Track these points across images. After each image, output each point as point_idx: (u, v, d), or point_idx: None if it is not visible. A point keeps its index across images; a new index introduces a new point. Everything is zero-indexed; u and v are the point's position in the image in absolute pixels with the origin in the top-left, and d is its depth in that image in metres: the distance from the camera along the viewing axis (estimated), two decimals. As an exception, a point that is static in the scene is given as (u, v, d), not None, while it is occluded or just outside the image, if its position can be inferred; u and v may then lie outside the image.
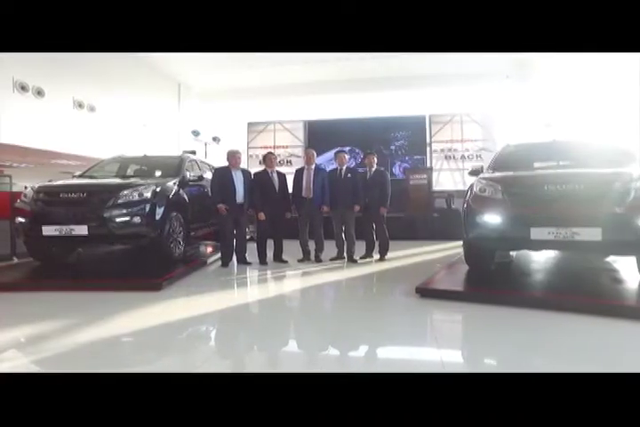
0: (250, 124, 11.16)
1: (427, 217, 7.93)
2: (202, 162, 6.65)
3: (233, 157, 5.10)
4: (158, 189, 4.55)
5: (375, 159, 5.43)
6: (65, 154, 9.35)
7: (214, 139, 11.08)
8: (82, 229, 4.09)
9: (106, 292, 3.59)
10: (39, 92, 8.20)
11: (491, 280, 3.73)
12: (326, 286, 4.13)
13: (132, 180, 4.67)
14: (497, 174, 3.80)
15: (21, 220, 4.26)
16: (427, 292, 3.27)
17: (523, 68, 10.30)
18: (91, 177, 5.29)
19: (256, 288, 4.15)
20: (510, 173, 3.72)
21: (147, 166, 5.82)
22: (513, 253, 5.06)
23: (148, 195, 4.40)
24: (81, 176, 5.42)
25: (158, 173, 5.53)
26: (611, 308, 2.77)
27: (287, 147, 11.02)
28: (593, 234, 3.02)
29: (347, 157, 5.35)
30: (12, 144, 8.10)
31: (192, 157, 6.57)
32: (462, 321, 3.05)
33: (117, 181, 4.68)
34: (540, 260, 4.90)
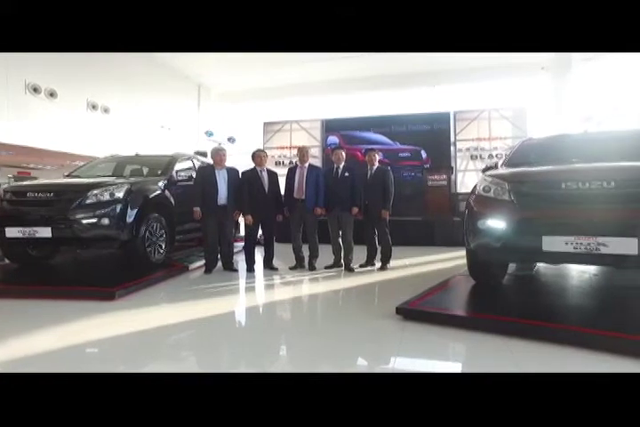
0: (266, 124, 10.79)
1: (446, 221, 7.22)
2: (203, 162, 6.31)
3: (217, 154, 4.67)
4: (133, 189, 4.22)
5: (377, 157, 4.86)
6: (82, 156, 9.37)
7: (229, 139, 10.82)
8: (45, 232, 3.80)
9: (54, 300, 3.26)
10: (52, 94, 8.21)
11: (501, 300, 3.09)
12: (299, 301, 3.62)
13: (106, 179, 4.34)
14: (504, 170, 3.15)
15: (-12, 221, 4.04)
16: (410, 313, 2.67)
17: (561, 59, 9.35)
18: (78, 177, 5.07)
19: (226, 300, 3.67)
20: (520, 169, 3.05)
21: (138, 166, 5.56)
22: (535, 264, 4.34)
23: (119, 195, 4.07)
24: (68, 176, 5.22)
25: (146, 173, 5.26)
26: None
27: (304, 147, 10.57)
28: (626, 246, 2.34)
29: (344, 154, 4.80)
30: (26, 146, 8.16)
31: (197, 157, 6.33)
32: (442, 360, 2.34)
33: (89, 180, 4.37)
34: (571, 273, 4.14)
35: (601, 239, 2.39)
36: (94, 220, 3.88)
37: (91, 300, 3.27)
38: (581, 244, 2.43)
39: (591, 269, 4.19)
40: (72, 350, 2.30)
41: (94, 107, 9.15)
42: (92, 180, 4.40)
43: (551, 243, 2.51)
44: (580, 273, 4.09)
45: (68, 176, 5.20)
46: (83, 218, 3.85)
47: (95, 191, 3.98)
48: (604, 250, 2.38)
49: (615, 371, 1.91)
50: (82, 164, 5.95)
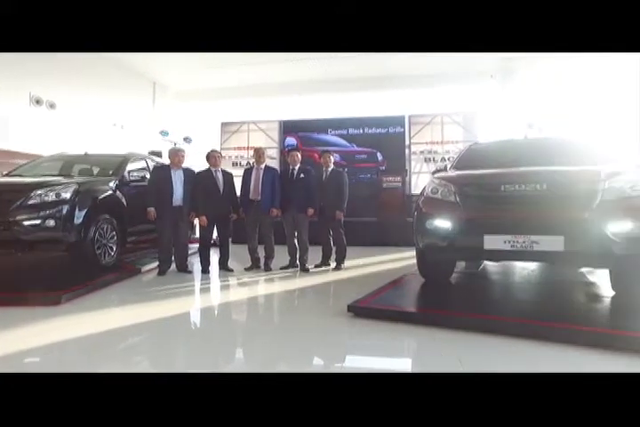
0: (223, 125, 10.65)
1: (400, 222, 7.45)
2: (157, 163, 6.15)
3: (176, 155, 4.60)
4: (81, 190, 4.06)
5: (332, 158, 4.96)
6: (23, 153, 8.82)
7: (185, 139, 10.58)
8: (-19, 234, 3.57)
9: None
10: (-11, 87, 7.69)
11: (448, 296, 3.26)
12: (254, 302, 3.65)
13: (51, 179, 4.15)
14: (452, 173, 3.33)
15: None
16: (360, 311, 2.77)
17: (508, 68, 9.91)
18: (19, 176, 4.79)
19: (180, 302, 3.60)
20: (465, 172, 3.25)
21: (87, 165, 5.34)
22: (482, 262, 4.60)
23: (66, 195, 3.89)
24: (8, 175, 4.92)
25: (96, 173, 5.07)
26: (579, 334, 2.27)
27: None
28: (554, 243, 2.56)
29: (299, 155, 4.86)
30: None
31: (152, 157, 6.20)
32: (389, 356, 2.43)
33: (32, 179, 4.15)
34: (513, 270, 4.43)
35: (534, 237, 2.59)
36: (37, 221, 3.68)
37: (35, 306, 3.12)
38: (517, 242, 2.63)
39: (531, 265, 4.50)
40: (14, 357, 2.20)
41: (38, 102, 8.64)
42: (35, 179, 4.17)
43: (491, 241, 2.69)
44: (520, 269, 4.39)
45: (7, 175, 4.91)
46: (24, 220, 3.64)
47: (39, 191, 3.78)
48: (536, 247, 2.59)
49: (554, 360, 2.09)
50: (24, 162, 5.63)
